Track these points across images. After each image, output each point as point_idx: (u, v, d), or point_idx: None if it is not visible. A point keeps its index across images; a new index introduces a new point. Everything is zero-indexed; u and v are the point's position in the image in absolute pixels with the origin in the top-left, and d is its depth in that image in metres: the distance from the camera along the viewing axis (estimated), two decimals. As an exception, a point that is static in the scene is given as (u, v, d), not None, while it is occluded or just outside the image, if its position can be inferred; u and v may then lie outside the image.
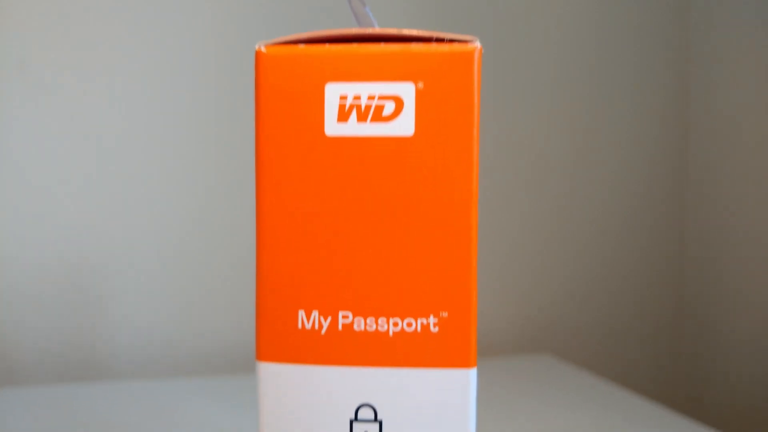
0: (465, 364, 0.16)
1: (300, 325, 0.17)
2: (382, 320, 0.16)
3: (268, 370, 0.17)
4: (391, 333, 0.16)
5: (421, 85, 0.16)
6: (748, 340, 0.44)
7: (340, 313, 0.17)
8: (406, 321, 0.16)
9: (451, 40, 0.16)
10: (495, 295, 0.47)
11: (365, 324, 0.16)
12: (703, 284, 0.48)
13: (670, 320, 0.51)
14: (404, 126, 0.16)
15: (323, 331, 0.17)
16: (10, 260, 0.39)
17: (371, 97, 0.16)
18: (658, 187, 0.49)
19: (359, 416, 0.17)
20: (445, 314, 0.16)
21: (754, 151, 0.44)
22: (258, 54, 0.16)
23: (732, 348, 0.45)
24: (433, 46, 0.16)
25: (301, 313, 0.17)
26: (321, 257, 0.16)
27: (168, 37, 0.41)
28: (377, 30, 0.16)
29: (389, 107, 0.16)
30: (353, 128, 0.16)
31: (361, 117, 0.16)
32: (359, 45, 0.16)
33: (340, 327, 0.17)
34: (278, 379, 0.17)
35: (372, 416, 0.17)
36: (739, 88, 0.44)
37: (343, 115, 0.16)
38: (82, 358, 0.41)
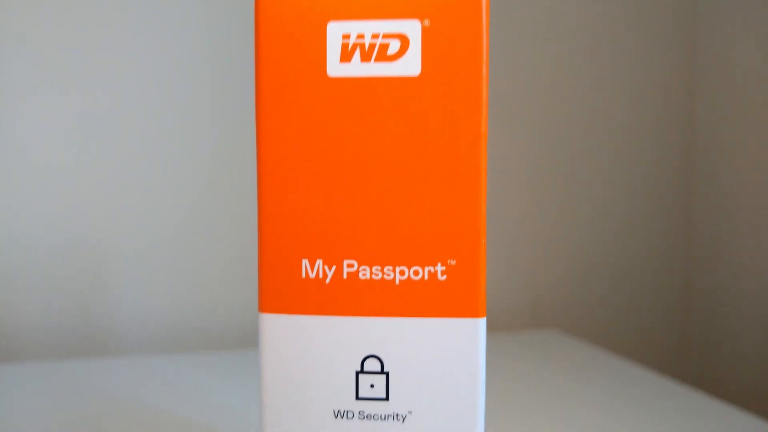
0: (474, 313, 0.16)
1: (304, 275, 0.16)
2: (388, 269, 0.16)
3: (271, 321, 0.16)
4: (397, 282, 0.16)
5: (427, 22, 0.15)
6: (756, 314, 0.44)
7: (345, 262, 0.16)
8: (412, 269, 0.16)
9: (458, -23, 0.15)
10: (502, 271, 0.47)
11: (371, 273, 0.16)
12: (711, 259, 0.47)
13: (678, 295, 0.50)
14: (410, 65, 0.15)
15: (328, 280, 0.16)
16: (11, 238, 0.39)
17: (375, 36, 0.15)
18: (666, 162, 0.49)
19: (365, 368, 0.16)
20: (452, 262, 0.16)
21: (763, 130, 0.43)
22: (257, -7, 0.16)
23: (740, 322, 0.45)
24: (440, -17, 0.15)
25: (305, 263, 0.16)
26: (325, 204, 0.16)
27: (168, 14, 0.40)
28: (381, -32, 0.16)
29: (394, 46, 0.15)
30: (357, 68, 0.15)
31: (365, 56, 0.15)
32: (362, -18, 0.15)
33: (345, 276, 0.16)
34: (282, 331, 0.16)
35: (378, 368, 0.16)
36: (748, 51, 0.43)
37: (346, 55, 0.15)
38: (83, 334, 0.40)
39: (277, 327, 0.16)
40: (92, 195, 0.41)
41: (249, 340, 0.40)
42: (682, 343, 0.50)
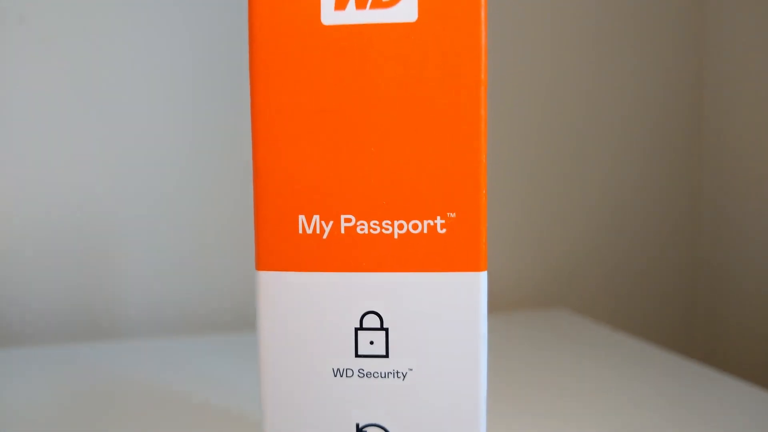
0: (475, 267, 0.15)
1: (300, 231, 0.16)
2: (386, 223, 0.16)
3: (268, 279, 0.16)
4: (396, 236, 0.16)
5: (423, -34, 0.15)
6: (765, 290, 0.43)
7: (342, 217, 0.16)
8: (411, 223, 0.16)
9: None
10: (510, 250, 0.46)
11: (369, 227, 0.16)
12: (719, 236, 0.47)
13: (686, 272, 0.49)
14: (406, 11, 0.15)
15: (325, 235, 0.16)
16: (14, 223, 0.39)
17: (370, -18, 0.15)
18: (673, 137, 0.48)
19: (364, 324, 0.16)
20: (452, 215, 0.15)
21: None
22: (249, -59, 0.15)
23: (748, 299, 0.44)
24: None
25: (302, 218, 0.16)
26: (321, 157, 0.16)
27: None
28: None
29: (390, -8, 0.15)
30: (352, 15, 0.15)
31: (360, 3, 0.15)
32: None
33: (342, 231, 0.16)
34: (279, 288, 0.16)
35: (378, 324, 0.16)
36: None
37: (340, 2, 0.15)
38: (88, 317, 0.40)
39: (274, 285, 0.16)
40: (95, 177, 0.40)
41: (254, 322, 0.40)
42: (689, 321, 0.50)
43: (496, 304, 0.47)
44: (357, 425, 0.16)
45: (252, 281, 0.39)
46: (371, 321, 0.16)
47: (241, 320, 0.42)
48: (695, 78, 0.47)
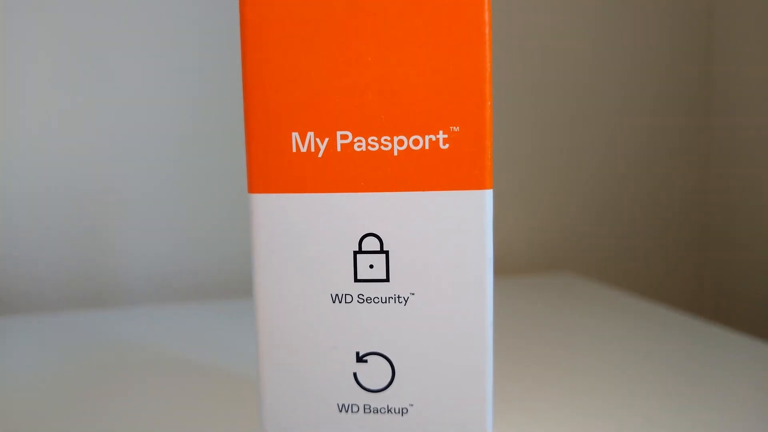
0: (480, 184, 0.15)
1: (294, 149, 0.15)
2: (385, 139, 0.15)
3: (262, 202, 0.15)
4: (395, 152, 0.15)
5: None
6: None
7: (338, 134, 0.15)
8: (412, 138, 0.15)
9: None
10: (514, 214, 0.46)
11: (367, 144, 0.15)
12: (727, 198, 0.46)
13: (694, 235, 0.49)
14: None
15: (320, 153, 0.15)
16: (15, 188, 0.38)
17: None
18: (683, 101, 0.47)
19: (363, 247, 0.15)
20: (456, 129, 0.15)
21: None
22: None
23: (756, 258, 0.43)
24: None
25: (295, 136, 0.15)
26: (314, 69, 0.15)
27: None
28: None
29: None
30: None
31: None
32: None
33: (338, 148, 0.15)
34: (274, 211, 0.15)
35: (378, 247, 0.15)
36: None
37: None
38: (89, 286, 0.40)
39: (268, 208, 0.15)
40: (96, 146, 0.40)
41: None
42: (696, 284, 0.49)
43: (501, 268, 0.47)
44: (357, 353, 0.15)
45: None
46: (371, 244, 0.15)
47: (242, 286, 0.41)
48: (705, 41, 0.46)
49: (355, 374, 0.15)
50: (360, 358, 0.15)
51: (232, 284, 0.41)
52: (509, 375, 0.28)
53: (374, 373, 0.15)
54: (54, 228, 0.39)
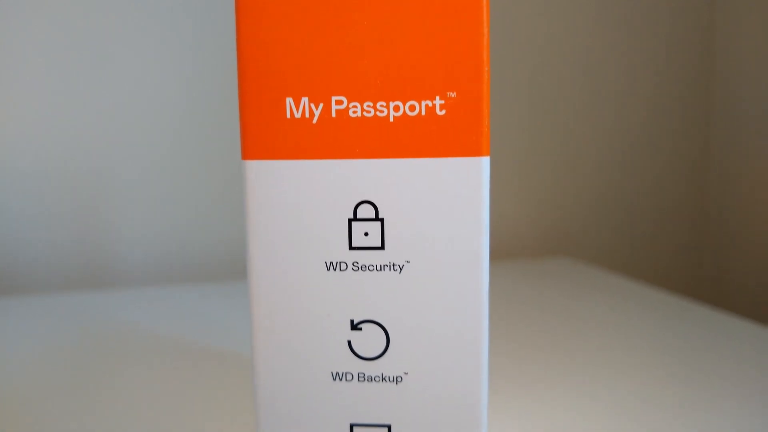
0: (476, 151, 0.14)
1: (288, 115, 0.15)
2: (381, 104, 0.14)
3: (255, 168, 0.15)
4: (391, 118, 0.15)
5: None
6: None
7: (333, 99, 0.15)
8: (408, 104, 0.14)
9: None
10: (514, 199, 0.45)
11: (362, 109, 0.15)
12: (727, 183, 0.46)
13: (693, 220, 0.48)
14: None
15: (315, 119, 0.15)
16: (14, 169, 0.38)
17: None
18: (683, 84, 0.47)
19: (358, 215, 0.15)
20: (452, 94, 0.14)
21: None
22: None
23: (755, 244, 0.43)
24: None
25: (290, 101, 0.15)
26: (309, 34, 0.14)
27: None
28: None
29: None
30: None
31: None
32: None
33: (333, 114, 0.15)
34: (267, 178, 0.15)
35: (373, 214, 0.15)
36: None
37: None
38: (86, 266, 0.40)
39: (261, 175, 0.15)
40: (90, 128, 0.39)
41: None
42: (695, 269, 0.49)
43: (500, 253, 0.47)
44: (352, 321, 0.15)
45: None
46: (366, 211, 0.15)
47: (239, 268, 0.41)
48: (707, 21, 0.46)
49: (349, 342, 0.15)
50: (354, 326, 0.15)
51: (228, 266, 0.41)
52: (506, 354, 0.28)
53: (369, 341, 0.15)
54: (51, 210, 0.39)
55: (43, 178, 0.39)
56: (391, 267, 0.15)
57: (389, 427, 0.15)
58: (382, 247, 0.15)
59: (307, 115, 0.15)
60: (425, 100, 0.14)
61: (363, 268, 0.15)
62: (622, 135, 0.47)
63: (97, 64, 0.38)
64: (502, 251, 0.45)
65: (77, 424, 0.22)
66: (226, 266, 0.41)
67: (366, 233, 0.15)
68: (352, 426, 0.15)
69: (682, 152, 0.47)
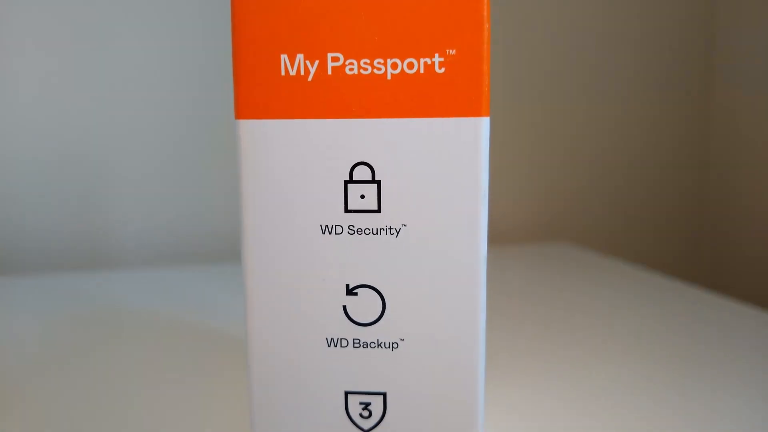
0: (476, 111, 0.14)
1: (283, 72, 0.14)
2: (378, 62, 0.14)
3: (249, 128, 0.14)
4: (389, 76, 0.14)
5: None
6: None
7: (329, 56, 0.14)
8: (406, 62, 0.14)
9: None
10: (514, 183, 0.45)
11: (359, 67, 0.14)
12: (723, 172, 0.45)
13: (690, 205, 0.48)
14: None
15: (310, 77, 0.14)
16: (13, 152, 0.38)
17: None
18: (682, 73, 0.46)
19: (354, 176, 0.14)
20: (452, 52, 0.14)
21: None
22: None
23: (751, 231, 0.43)
24: None
25: (284, 58, 0.14)
26: (305, -12, 0.14)
27: None
28: None
29: None
30: None
31: None
32: None
33: (329, 71, 0.14)
34: (261, 138, 0.14)
35: (369, 176, 0.14)
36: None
37: None
38: (83, 247, 0.39)
39: (255, 135, 0.14)
40: (88, 111, 0.39)
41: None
42: (692, 254, 0.48)
43: (500, 237, 0.46)
44: (347, 286, 0.14)
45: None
46: (362, 173, 0.14)
47: (235, 250, 0.41)
48: (709, 19, 0.45)
49: (344, 307, 0.14)
50: (350, 291, 0.14)
51: (224, 248, 0.41)
52: (505, 329, 0.28)
53: (364, 306, 0.14)
54: (48, 191, 0.38)
55: (41, 162, 0.38)
56: (388, 231, 0.14)
57: (384, 395, 0.15)
58: (379, 211, 0.14)
59: (302, 72, 0.14)
60: (424, 58, 0.14)
61: (359, 231, 0.14)
62: (622, 120, 0.46)
63: (96, 49, 0.38)
64: (502, 234, 0.45)
65: (74, 401, 0.22)
66: (225, 248, 0.41)
67: (362, 196, 0.14)
68: (346, 393, 0.15)
69: (681, 137, 0.47)
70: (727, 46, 0.45)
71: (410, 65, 0.14)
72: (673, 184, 0.48)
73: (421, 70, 0.14)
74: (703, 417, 0.20)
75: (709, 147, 0.47)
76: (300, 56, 0.14)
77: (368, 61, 0.14)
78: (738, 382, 0.22)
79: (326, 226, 0.14)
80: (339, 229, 0.14)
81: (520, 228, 0.46)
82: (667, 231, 0.48)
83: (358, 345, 0.14)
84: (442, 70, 0.14)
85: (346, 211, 0.14)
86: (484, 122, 0.14)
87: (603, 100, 0.46)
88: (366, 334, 0.14)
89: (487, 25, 0.14)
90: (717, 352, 0.25)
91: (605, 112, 0.46)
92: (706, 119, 0.47)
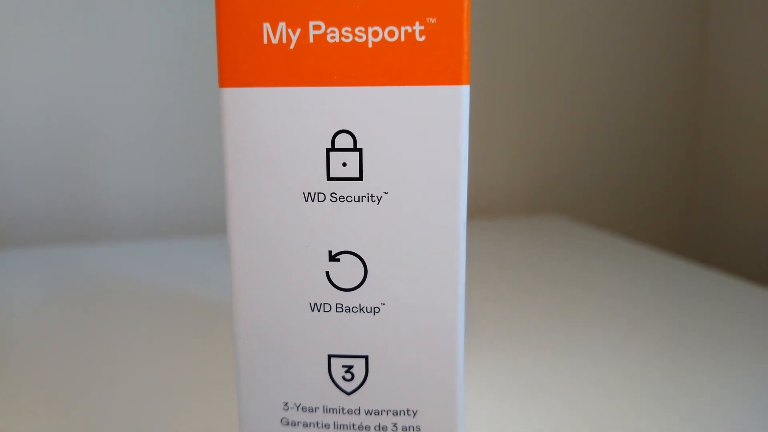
0: (456, 79, 0.14)
1: (266, 40, 0.14)
2: (359, 29, 0.14)
3: (232, 96, 0.15)
4: (370, 44, 0.14)
5: None
6: (763, 196, 0.42)
7: (311, 24, 0.14)
8: (387, 29, 0.14)
9: None
10: (505, 156, 0.45)
11: (340, 35, 0.14)
12: (715, 146, 0.45)
13: (682, 180, 0.48)
14: None
15: (292, 45, 0.14)
16: (3, 124, 0.38)
17: None
18: (677, 50, 0.46)
19: (336, 144, 0.15)
20: (432, 20, 0.14)
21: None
22: None
23: (743, 205, 0.43)
24: None
25: (266, 26, 0.14)
26: (286, -44, 0.14)
27: None
28: None
29: None
30: None
31: None
32: None
33: (311, 39, 0.14)
34: (244, 106, 0.15)
35: (351, 144, 0.15)
36: None
37: None
38: (74, 220, 0.39)
39: (238, 103, 0.15)
40: (79, 83, 0.39)
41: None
42: (684, 228, 0.49)
43: (491, 210, 0.47)
44: (330, 252, 0.15)
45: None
46: (344, 141, 0.14)
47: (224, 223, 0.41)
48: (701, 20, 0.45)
49: (327, 273, 0.15)
50: (332, 257, 0.15)
51: (215, 221, 0.41)
52: (491, 299, 0.28)
53: (346, 272, 0.15)
54: (39, 163, 0.38)
55: (30, 131, 0.38)
56: (369, 198, 0.15)
57: (366, 358, 0.15)
58: (360, 178, 0.15)
59: (284, 40, 0.14)
60: (405, 26, 0.14)
61: (341, 198, 0.15)
62: (615, 93, 0.46)
63: (88, 21, 0.38)
64: (493, 207, 0.45)
65: (64, 372, 0.22)
66: (214, 220, 0.41)
67: (344, 164, 0.15)
68: (329, 356, 0.15)
69: (674, 110, 0.47)
70: (722, 10, 0.44)
71: (391, 33, 0.14)
72: (664, 157, 0.48)
73: (402, 39, 0.14)
74: (692, 385, 0.20)
75: (702, 119, 0.47)
76: (282, 24, 0.14)
77: (349, 29, 0.14)
78: (728, 354, 0.23)
79: (309, 193, 0.15)
80: (321, 197, 0.15)
81: (510, 201, 0.46)
82: (658, 204, 0.49)
83: (340, 309, 0.15)
84: (423, 38, 0.14)
85: (329, 178, 0.15)
86: (464, 90, 0.14)
87: (594, 71, 0.46)
88: (348, 299, 0.15)
89: (467, -7, 0.14)
90: (707, 324, 0.25)
91: (596, 83, 0.46)
92: (699, 90, 0.47)
